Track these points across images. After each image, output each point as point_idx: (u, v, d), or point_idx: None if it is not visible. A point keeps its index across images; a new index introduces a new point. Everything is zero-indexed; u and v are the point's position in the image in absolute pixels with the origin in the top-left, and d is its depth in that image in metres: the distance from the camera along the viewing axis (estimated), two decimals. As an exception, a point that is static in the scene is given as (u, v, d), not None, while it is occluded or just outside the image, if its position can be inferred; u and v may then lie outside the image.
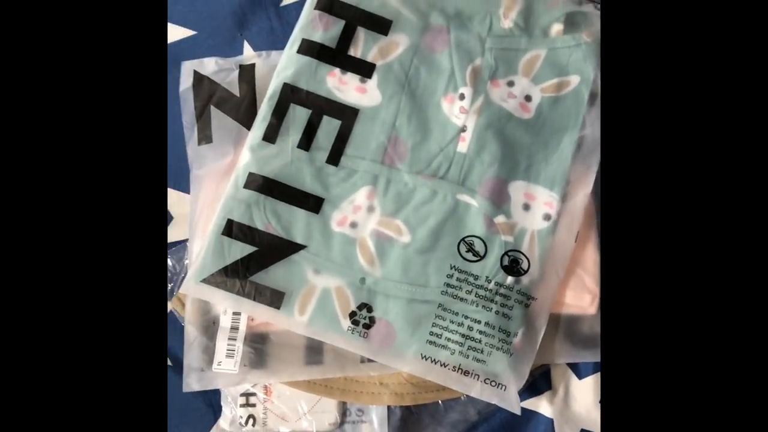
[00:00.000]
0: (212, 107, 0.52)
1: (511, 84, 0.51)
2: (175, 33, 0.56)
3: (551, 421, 0.51)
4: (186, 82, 0.53)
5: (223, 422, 0.51)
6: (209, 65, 0.54)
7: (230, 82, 0.53)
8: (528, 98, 0.51)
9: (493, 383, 0.47)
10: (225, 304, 0.49)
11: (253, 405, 0.50)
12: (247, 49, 0.55)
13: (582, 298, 0.49)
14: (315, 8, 0.52)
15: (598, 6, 0.53)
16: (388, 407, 0.50)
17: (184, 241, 0.53)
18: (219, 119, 0.52)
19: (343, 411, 0.51)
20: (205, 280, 0.48)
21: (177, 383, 0.50)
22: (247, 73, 0.53)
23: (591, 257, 0.50)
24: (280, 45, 0.53)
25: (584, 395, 0.51)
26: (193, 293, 0.49)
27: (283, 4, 0.56)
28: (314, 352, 0.50)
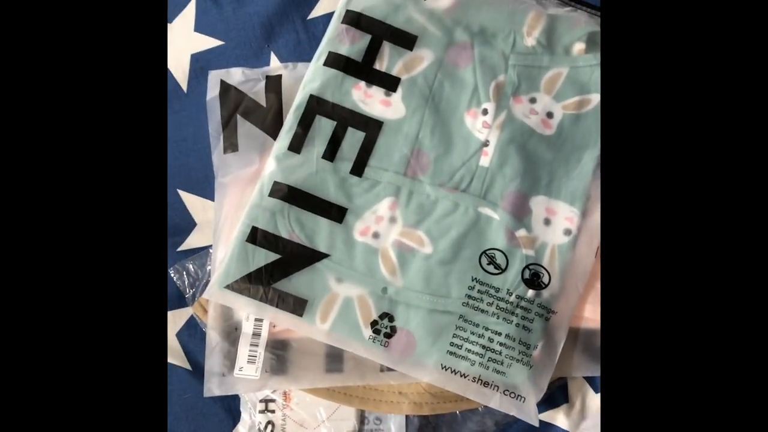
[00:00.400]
0: (239, 116, 0.53)
1: (533, 101, 0.52)
2: (203, 42, 0.57)
3: (568, 434, 0.51)
4: (213, 91, 0.54)
5: (242, 428, 0.52)
6: (236, 75, 0.54)
7: (257, 92, 0.54)
8: (550, 115, 0.52)
9: (512, 395, 0.48)
10: (248, 310, 0.50)
11: (273, 411, 0.51)
12: (274, 60, 0.56)
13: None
14: (342, 22, 0.53)
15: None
16: (406, 416, 0.51)
17: (207, 247, 0.54)
18: (245, 128, 0.53)
19: (362, 419, 0.51)
20: (228, 286, 0.49)
21: (198, 388, 0.50)
22: (273, 83, 0.54)
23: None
24: (306, 57, 0.54)
25: (599, 408, 0.52)
26: (216, 299, 0.49)
27: (310, 17, 0.57)
28: (335, 360, 0.50)
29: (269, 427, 0.51)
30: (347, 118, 0.51)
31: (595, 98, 0.52)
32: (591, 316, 0.50)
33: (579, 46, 0.53)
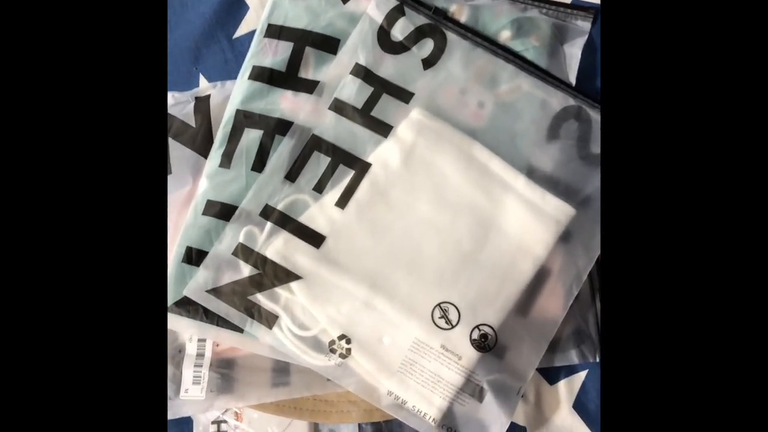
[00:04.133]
0: (170, 139, 0.53)
1: (464, 92, 0.52)
2: (135, 72, 0.58)
3: (524, 429, 0.50)
4: (144, 117, 0.54)
5: (196, 452, 0.51)
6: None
7: (186, 113, 0.54)
8: (481, 105, 0.51)
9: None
10: (190, 331, 0.49)
11: (225, 432, 0.50)
12: (203, 81, 0.57)
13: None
14: (264, 36, 0.53)
15: (543, 11, 0.54)
16: (359, 426, 0.50)
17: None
18: (177, 150, 0.53)
19: (315, 432, 0.50)
20: (168, 309, 0.48)
21: (147, 414, 0.50)
22: (202, 104, 0.54)
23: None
24: (234, 75, 0.54)
25: (556, 401, 0.50)
26: (157, 322, 0.49)
27: (235, 36, 0.57)
28: (281, 373, 0.50)
29: (223, 448, 0.50)
30: (274, 127, 0.51)
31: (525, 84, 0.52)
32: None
33: (505, 34, 0.53)
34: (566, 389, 0.50)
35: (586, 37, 0.54)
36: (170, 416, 0.49)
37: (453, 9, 0.54)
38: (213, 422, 0.50)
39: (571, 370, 0.50)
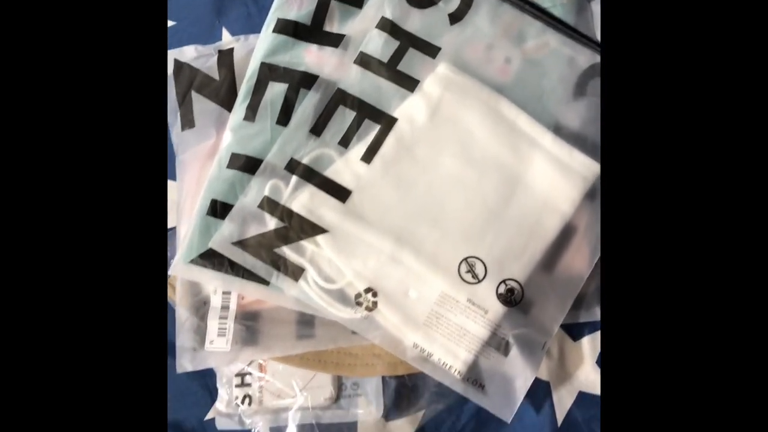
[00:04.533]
0: (193, 92, 0.53)
1: (490, 48, 0.51)
2: (156, 25, 0.57)
3: (547, 384, 0.50)
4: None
5: (219, 404, 0.51)
6: (189, 52, 0.54)
7: (210, 66, 0.53)
8: (508, 61, 0.51)
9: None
10: (214, 283, 0.49)
11: (248, 384, 0.50)
12: (226, 35, 0.56)
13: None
14: (289, -11, 0.53)
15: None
16: (383, 379, 0.50)
17: (174, 228, 0.54)
18: (200, 103, 0.53)
19: (339, 385, 0.51)
20: (193, 261, 0.48)
21: (172, 366, 0.50)
22: (225, 57, 0.54)
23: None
24: (257, 30, 0.53)
25: (580, 357, 0.51)
26: (182, 274, 0.49)
27: (258, -11, 0.57)
28: (306, 325, 0.50)
29: (246, 400, 0.50)
30: (299, 80, 0.51)
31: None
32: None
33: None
34: (590, 346, 0.50)
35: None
36: (194, 368, 0.49)
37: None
38: (237, 375, 0.50)
39: (594, 327, 0.51)
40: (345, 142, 0.49)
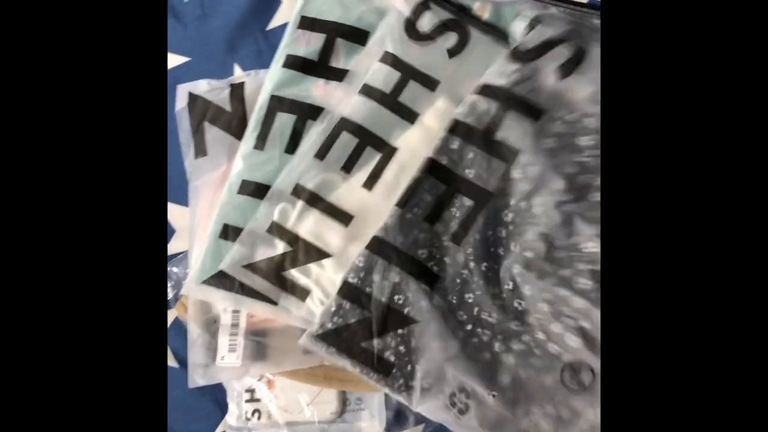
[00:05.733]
0: (206, 123, 0.56)
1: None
2: (172, 60, 0.61)
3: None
4: (181, 102, 0.57)
5: (230, 418, 0.53)
6: (202, 86, 0.58)
7: (222, 99, 0.57)
8: None
9: None
10: (225, 303, 0.52)
11: (258, 399, 0.53)
12: (238, 70, 0.60)
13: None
14: (298, 27, 0.56)
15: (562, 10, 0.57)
16: (386, 394, 0.53)
17: (187, 252, 0.56)
18: (213, 133, 0.56)
19: (343, 400, 0.53)
20: (205, 282, 0.51)
21: (184, 382, 0.52)
22: (237, 90, 0.57)
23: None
24: (268, 65, 0.57)
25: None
26: (194, 294, 0.52)
27: (269, 27, 0.60)
28: (313, 342, 0.52)
29: (256, 414, 0.53)
30: (306, 112, 0.54)
31: None
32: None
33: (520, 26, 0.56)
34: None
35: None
36: (206, 382, 0.52)
37: (476, 6, 0.56)
38: (246, 390, 0.53)
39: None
40: (348, 167, 0.52)
